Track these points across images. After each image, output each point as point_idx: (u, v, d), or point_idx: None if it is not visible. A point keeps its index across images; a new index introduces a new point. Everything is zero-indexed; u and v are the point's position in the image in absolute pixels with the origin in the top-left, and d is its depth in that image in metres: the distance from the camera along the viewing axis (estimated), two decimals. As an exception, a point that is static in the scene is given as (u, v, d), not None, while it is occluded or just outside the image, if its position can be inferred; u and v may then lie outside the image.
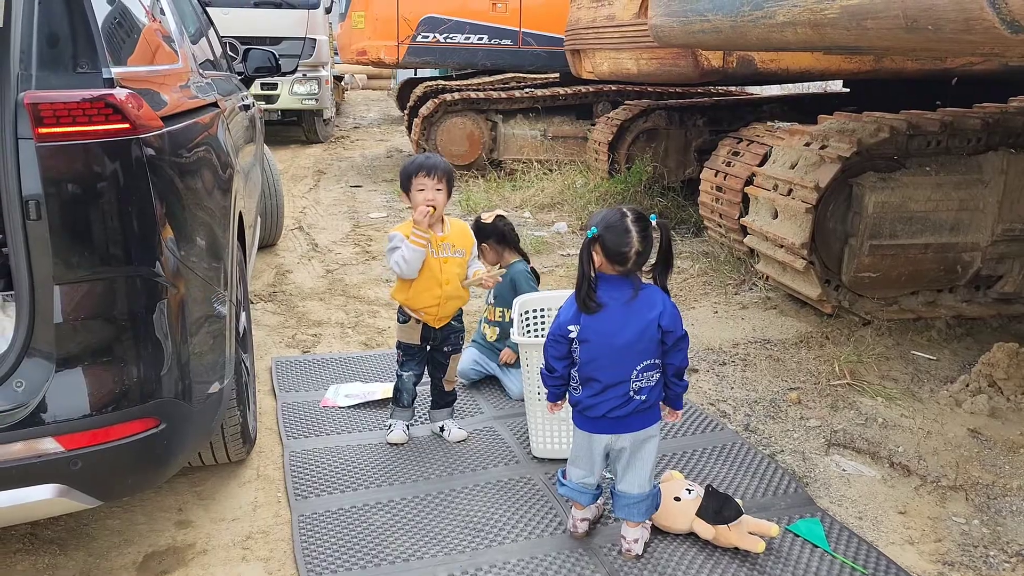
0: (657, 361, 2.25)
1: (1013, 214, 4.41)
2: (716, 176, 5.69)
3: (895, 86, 6.53)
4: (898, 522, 2.64)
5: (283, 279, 5.25)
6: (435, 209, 2.84)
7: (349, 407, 3.40)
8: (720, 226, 5.64)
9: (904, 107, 4.84)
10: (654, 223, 2.21)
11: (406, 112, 10.44)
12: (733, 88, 9.75)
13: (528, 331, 3.22)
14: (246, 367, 3.02)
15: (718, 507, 2.41)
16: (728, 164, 5.62)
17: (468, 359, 3.55)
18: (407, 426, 3.15)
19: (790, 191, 4.45)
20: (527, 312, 3.22)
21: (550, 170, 8.33)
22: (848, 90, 7.70)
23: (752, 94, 9.46)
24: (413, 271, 2.87)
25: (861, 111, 4.91)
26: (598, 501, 2.51)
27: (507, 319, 3.49)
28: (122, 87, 1.95)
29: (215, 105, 3.07)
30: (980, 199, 4.39)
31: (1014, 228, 4.42)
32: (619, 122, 7.54)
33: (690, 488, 2.53)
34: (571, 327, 2.22)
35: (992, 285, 4.66)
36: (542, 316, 3.26)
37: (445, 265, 2.91)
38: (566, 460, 2.88)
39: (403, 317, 3.03)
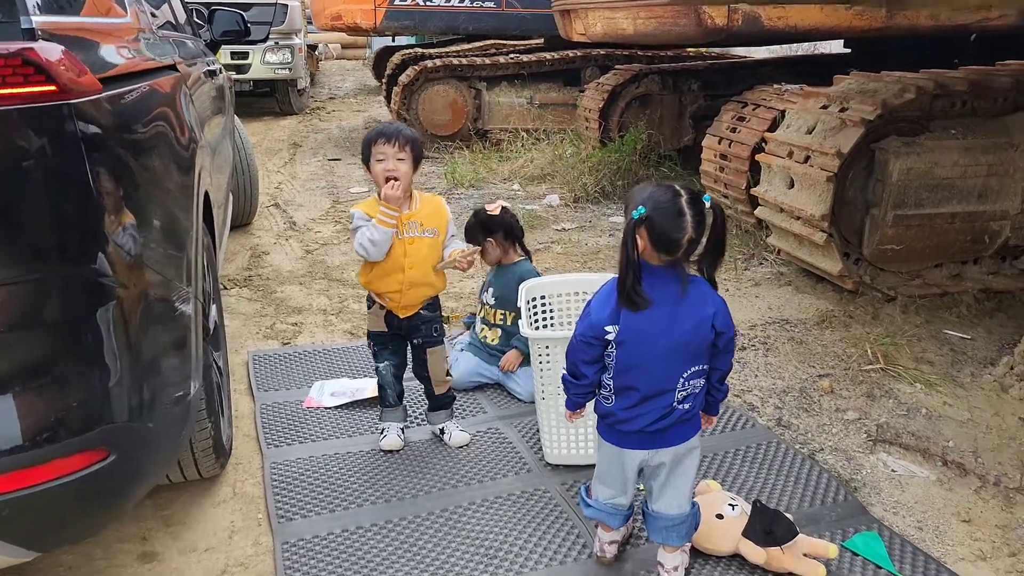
0: (705, 366, 1.91)
1: (1046, 180, 4.11)
2: (720, 143, 5.35)
3: (900, 45, 6.19)
4: (963, 532, 2.34)
5: (259, 261, 4.86)
6: (397, 180, 2.49)
7: (336, 407, 3.05)
8: (725, 197, 5.30)
9: (912, 67, 4.50)
10: (708, 205, 1.83)
11: (384, 81, 9.97)
12: (718, 51, 9.38)
13: (536, 322, 2.87)
14: (218, 367, 2.65)
15: (768, 526, 2.09)
16: (733, 130, 5.27)
17: (466, 369, 3.15)
18: (402, 429, 2.81)
19: (807, 158, 4.10)
20: (534, 300, 2.87)
21: (538, 139, 7.94)
22: (849, 51, 7.36)
23: (745, 56, 9.10)
24: (381, 254, 2.52)
25: (865, 73, 4.57)
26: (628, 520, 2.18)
27: (510, 322, 3.13)
28: (48, 40, 1.56)
29: (174, 68, 2.68)
30: (1010, 163, 4.08)
31: (1047, 195, 4.12)
32: (610, 88, 7.15)
33: (733, 503, 2.21)
34: (609, 327, 1.84)
35: (1019, 256, 4.37)
36: (549, 304, 2.92)
37: (411, 247, 2.54)
38: (584, 467, 2.57)
39: (369, 302, 2.68)
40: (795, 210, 4.13)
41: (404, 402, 2.84)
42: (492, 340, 3.18)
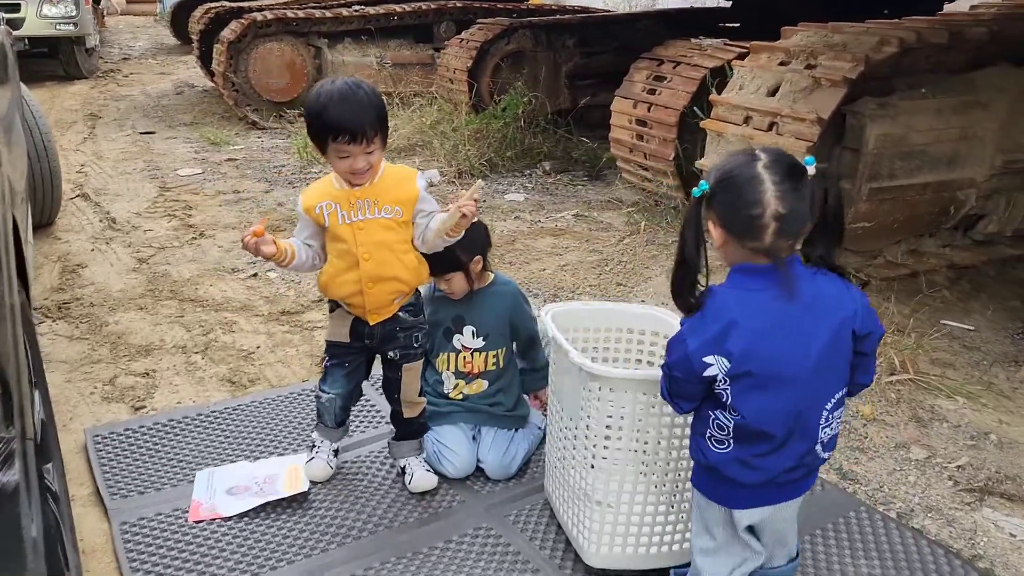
0: (847, 389, 1.44)
1: (1017, 143, 3.72)
2: (636, 107, 4.65)
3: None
4: None
5: (74, 278, 3.62)
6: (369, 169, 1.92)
7: (239, 516, 2.06)
8: (645, 168, 4.64)
9: (821, 20, 3.98)
10: (811, 169, 1.34)
11: (198, 38, 8.46)
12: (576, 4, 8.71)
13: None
14: (52, 495, 1.62)
15: None
16: (652, 92, 4.59)
17: (502, 453, 2.20)
18: (334, 452, 2.25)
19: (772, 125, 3.48)
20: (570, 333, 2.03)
21: (392, 104, 6.93)
22: (729, 4, 6.89)
23: (609, 10, 8.49)
24: (303, 271, 2.11)
25: (746, 28, 4.02)
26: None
27: (503, 363, 2.25)
28: None
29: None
30: (979, 125, 3.66)
31: (1018, 159, 3.74)
32: (478, 44, 6.30)
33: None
34: (709, 359, 1.33)
35: (973, 226, 4.01)
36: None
37: (361, 232, 1.94)
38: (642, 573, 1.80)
39: (332, 303, 2.10)
40: (759, 187, 3.50)
41: (347, 423, 2.27)
42: (476, 390, 2.27)
